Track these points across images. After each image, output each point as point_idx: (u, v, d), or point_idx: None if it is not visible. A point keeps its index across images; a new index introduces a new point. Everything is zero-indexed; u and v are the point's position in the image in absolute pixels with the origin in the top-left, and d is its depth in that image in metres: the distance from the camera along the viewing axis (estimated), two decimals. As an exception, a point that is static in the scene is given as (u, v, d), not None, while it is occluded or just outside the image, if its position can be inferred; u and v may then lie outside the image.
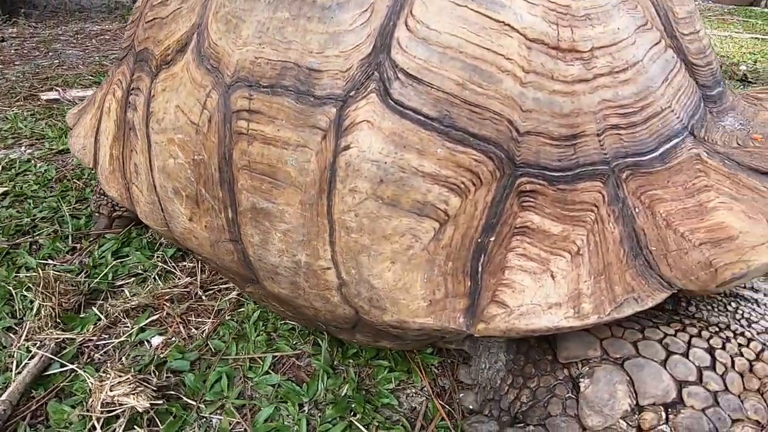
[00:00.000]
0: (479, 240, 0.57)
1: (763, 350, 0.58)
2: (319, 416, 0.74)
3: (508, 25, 0.54)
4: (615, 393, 0.56)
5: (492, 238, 0.57)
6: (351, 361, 0.84)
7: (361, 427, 0.72)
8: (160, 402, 0.70)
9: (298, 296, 0.70)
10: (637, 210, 0.57)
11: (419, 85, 0.54)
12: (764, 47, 3.93)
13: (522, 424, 0.60)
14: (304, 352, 0.86)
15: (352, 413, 0.74)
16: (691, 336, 0.60)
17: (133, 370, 0.75)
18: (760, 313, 0.62)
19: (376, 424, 0.73)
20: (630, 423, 0.56)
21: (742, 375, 0.57)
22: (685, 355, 0.58)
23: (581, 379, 0.59)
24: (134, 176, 0.89)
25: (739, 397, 0.55)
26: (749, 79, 2.88)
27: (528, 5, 0.55)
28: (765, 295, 0.65)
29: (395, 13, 0.55)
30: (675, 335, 0.60)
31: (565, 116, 0.56)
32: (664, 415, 0.55)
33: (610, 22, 0.58)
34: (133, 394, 0.68)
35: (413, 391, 0.81)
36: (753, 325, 0.61)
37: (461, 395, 0.72)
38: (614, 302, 0.52)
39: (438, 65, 0.54)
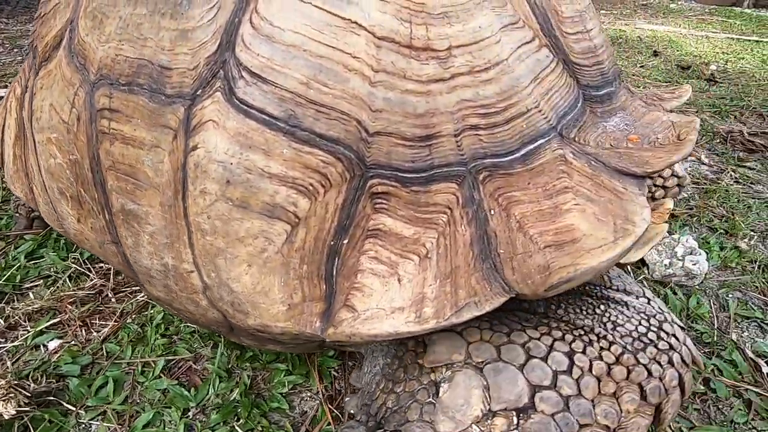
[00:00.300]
0: (332, 243, 0.56)
1: (623, 353, 0.58)
2: (201, 422, 0.72)
3: (355, 22, 0.53)
4: (470, 398, 0.56)
5: (345, 241, 0.56)
6: (248, 364, 0.82)
7: (242, 432, 0.70)
8: (28, 409, 0.68)
9: (173, 299, 0.68)
10: (492, 212, 0.56)
11: (264, 84, 0.53)
12: (738, 47, 3.95)
13: (382, 430, 0.59)
14: (203, 355, 0.84)
15: (236, 418, 0.73)
16: (555, 339, 0.59)
17: (11, 376, 0.73)
18: (627, 316, 0.61)
19: (260, 428, 0.72)
20: (482, 429, 0.55)
21: (599, 379, 0.56)
22: (545, 359, 0.57)
23: (442, 384, 0.58)
24: (33, 176, 0.87)
25: (592, 401, 0.55)
26: (717, 79, 2.88)
27: (378, 3, 0.53)
28: (637, 297, 0.64)
29: (241, 10, 0.54)
30: (539, 339, 0.59)
31: (419, 116, 0.55)
32: (515, 420, 0.54)
33: (470, 20, 0.57)
34: (3, 400, 0.66)
35: (308, 394, 0.79)
36: (618, 328, 0.60)
37: (346, 399, 0.71)
38: (455, 306, 0.51)
39: (282, 63, 0.53)
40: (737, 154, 1.84)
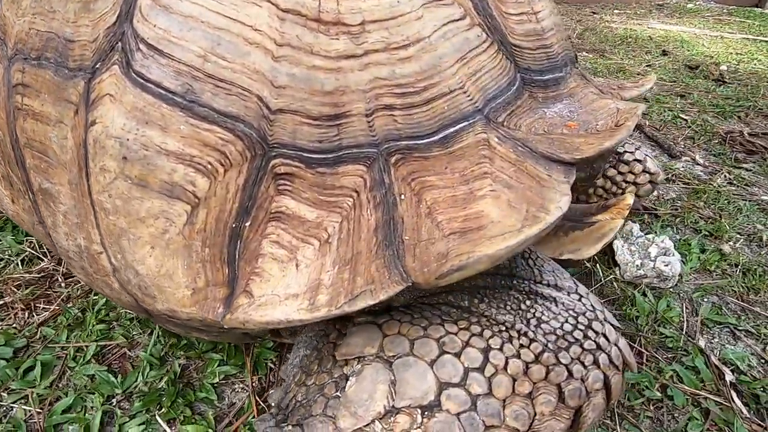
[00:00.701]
0: (234, 225, 0.53)
1: (543, 352, 0.54)
2: (123, 409, 0.71)
3: (257, -7, 0.50)
4: (374, 393, 0.52)
5: (248, 224, 0.53)
6: (182, 353, 0.80)
7: (161, 422, 0.68)
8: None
9: (92, 282, 0.66)
10: (402, 197, 0.52)
11: (160, 57, 0.51)
12: (753, 48, 3.81)
13: (286, 423, 0.56)
14: (139, 342, 0.82)
15: (159, 406, 0.71)
16: (473, 335, 0.56)
17: (-62, 356, 0.73)
18: (553, 313, 0.57)
19: (182, 418, 0.70)
20: (384, 426, 0.52)
21: (514, 378, 0.52)
22: (458, 355, 0.54)
23: (350, 378, 0.55)
24: (-21, 157, 0.87)
25: (503, 401, 0.51)
26: (725, 80, 2.78)
27: (283, -27, 0.51)
28: (568, 293, 0.60)
29: (141, -21, 0.52)
30: (456, 334, 0.56)
31: (327, 94, 0.52)
32: (419, 418, 0.51)
33: (387, -6, 0.54)
34: None
35: (240, 386, 0.77)
36: (542, 326, 0.56)
37: (270, 392, 0.68)
38: (350, 294, 0.48)
39: (178, 35, 0.50)
40: (735, 155, 1.76)
